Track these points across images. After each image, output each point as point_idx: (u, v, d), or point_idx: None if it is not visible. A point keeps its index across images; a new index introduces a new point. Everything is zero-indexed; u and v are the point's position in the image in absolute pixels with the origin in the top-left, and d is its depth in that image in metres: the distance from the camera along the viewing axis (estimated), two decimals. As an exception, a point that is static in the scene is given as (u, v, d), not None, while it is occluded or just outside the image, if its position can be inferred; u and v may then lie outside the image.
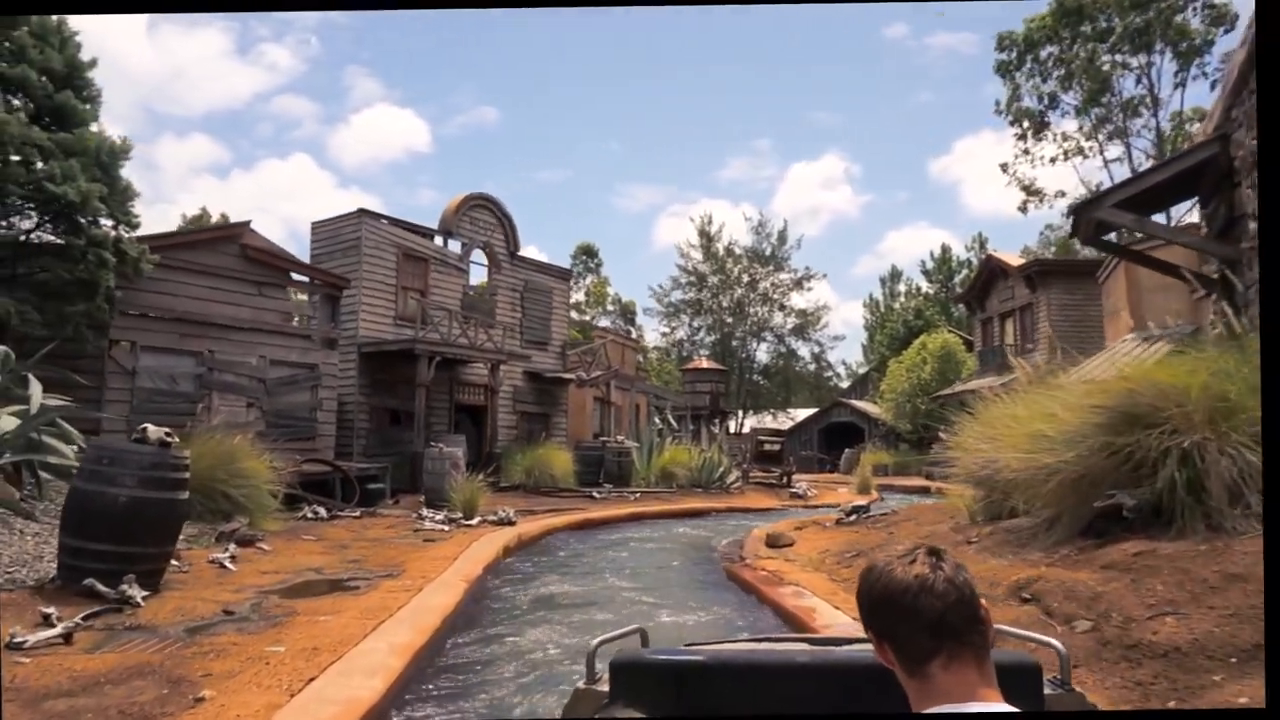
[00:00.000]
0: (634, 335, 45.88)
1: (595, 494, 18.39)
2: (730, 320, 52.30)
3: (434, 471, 14.77)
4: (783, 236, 52.10)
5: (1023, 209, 39.45)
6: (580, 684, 1.90)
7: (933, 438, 34.38)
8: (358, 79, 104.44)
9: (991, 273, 33.39)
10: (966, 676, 1.27)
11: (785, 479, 26.56)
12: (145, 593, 5.89)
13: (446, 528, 11.45)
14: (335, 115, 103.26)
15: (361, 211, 19.87)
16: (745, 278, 52.42)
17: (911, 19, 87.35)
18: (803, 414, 52.33)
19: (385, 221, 20.52)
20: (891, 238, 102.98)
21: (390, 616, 5.55)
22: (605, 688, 1.81)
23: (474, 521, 12.05)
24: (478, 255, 23.33)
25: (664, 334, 53.91)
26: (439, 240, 22.19)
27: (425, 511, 12.95)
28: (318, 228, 20.50)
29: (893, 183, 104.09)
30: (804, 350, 53.73)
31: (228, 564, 7.47)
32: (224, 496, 9.57)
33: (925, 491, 27.75)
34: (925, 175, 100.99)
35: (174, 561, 7.19)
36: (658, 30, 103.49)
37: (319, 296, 17.16)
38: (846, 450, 42.31)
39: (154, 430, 6.26)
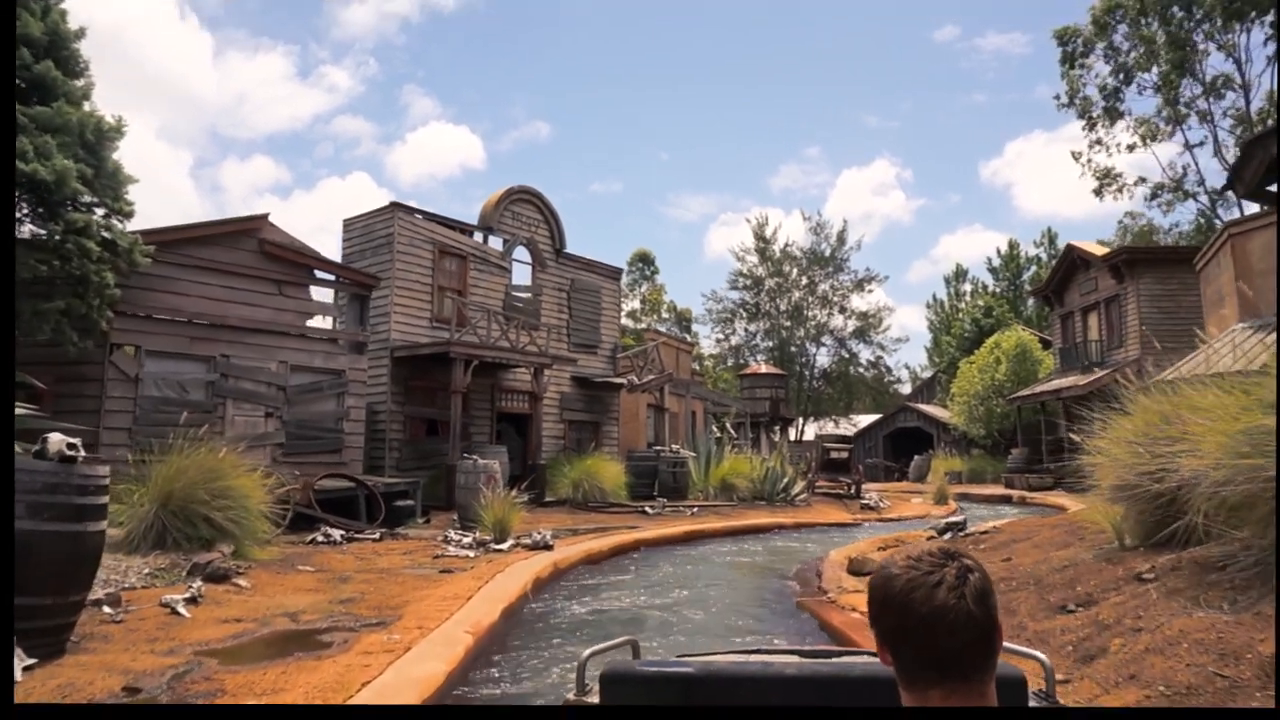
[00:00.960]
0: (689, 340, 44.15)
1: (648, 509, 16.68)
2: (788, 324, 50.29)
3: (466, 486, 13.22)
4: (842, 237, 50.10)
5: (1098, 193, 37.10)
6: (570, 696, 1.87)
7: (1010, 442, 32.24)
8: (414, 98, 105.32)
9: (1071, 264, 31.03)
10: (967, 702, 1.16)
11: (854, 489, 24.57)
12: (31, 660, 4.37)
13: (471, 554, 9.80)
14: (393, 134, 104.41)
15: (394, 205, 18.46)
16: (804, 280, 50.44)
17: (960, 19, 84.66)
18: (866, 420, 50.10)
19: (420, 216, 19.09)
20: (945, 241, 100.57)
21: (346, 700, 3.91)
22: (595, 699, 1.79)
23: (505, 545, 10.38)
24: (520, 253, 21.78)
25: (719, 340, 52.16)
26: (478, 236, 20.69)
27: (452, 533, 11.37)
28: (349, 225, 19.16)
29: (945, 186, 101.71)
30: (865, 354, 51.61)
31: (181, 609, 5.92)
32: (205, 521, 8.05)
33: (1007, 501, 25.58)
34: (977, 178, 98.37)
35: (107, 609, 5.69)
36: (707, 39, 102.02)
37: (346, 296, 15.77)
38: (916, 457, 40.05)
39: (55, 440, 4.73)
